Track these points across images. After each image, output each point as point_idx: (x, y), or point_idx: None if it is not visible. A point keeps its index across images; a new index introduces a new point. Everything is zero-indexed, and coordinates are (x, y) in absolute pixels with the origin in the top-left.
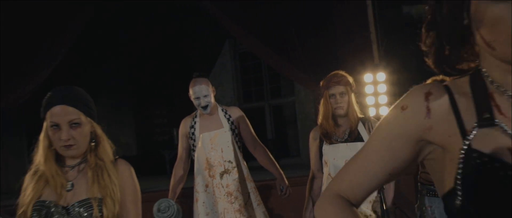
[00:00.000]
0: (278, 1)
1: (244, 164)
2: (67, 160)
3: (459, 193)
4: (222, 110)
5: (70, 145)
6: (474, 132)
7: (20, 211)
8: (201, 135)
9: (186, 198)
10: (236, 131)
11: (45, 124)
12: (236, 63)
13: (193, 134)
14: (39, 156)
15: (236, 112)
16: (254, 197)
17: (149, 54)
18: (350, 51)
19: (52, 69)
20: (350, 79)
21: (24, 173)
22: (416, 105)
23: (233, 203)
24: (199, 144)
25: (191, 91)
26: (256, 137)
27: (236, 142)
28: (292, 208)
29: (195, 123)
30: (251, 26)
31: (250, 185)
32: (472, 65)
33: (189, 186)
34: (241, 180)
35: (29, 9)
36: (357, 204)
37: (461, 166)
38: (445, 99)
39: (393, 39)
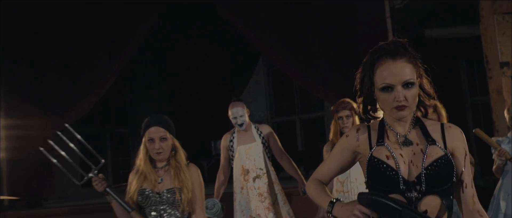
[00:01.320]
0: (304, 24)
1: (272, 171)
2: (157, 163)
3: (367, 176)
4: (255, 127)
5: (160, 153)
6: (374, 148)
7: (128, 196)
8: (238, 148)
9: (226, 201)
10: (266, 144)
11: (144, 139)
12: (269, 80)
13: (231, 146)
14: (140, 160)
15: (266, 129)
16: (281, 197)
17: (189, 70)
18: None
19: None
20: (354, 104)
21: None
22: (352, 134)
23: (263, 202)
24: (236, 155)
25: (230, 112)
26: (282, 149)
27: (266, 153)
28: (312, 211)
29: (233, 137)
30: (279, 47)
31: (278, 188)
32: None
33: (228, 191)
34: (270, 184)
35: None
36: (326, 184)
37: (367, 163)
38: (365, 132)
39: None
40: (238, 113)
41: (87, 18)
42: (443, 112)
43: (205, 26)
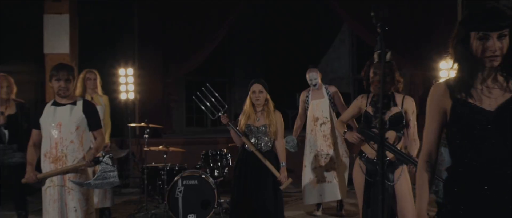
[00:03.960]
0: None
1: (335, 119)
2: (256, 107)
3: (363, 120)
4: (325, 87)
5: (258, 99)
6: (367, 106)
7: (239, 127)
8: (311, 102)
9: (301, 138)
10: (332, 100)
11: (249, 92)
12: (353, 39)
13: (307, 100)
14: (246, 106)
15: (332, 89)
16: (339, 139)
17: (281, 30)
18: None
19: (213, 47)
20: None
21: None
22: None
23: (326, 141)
24: (310, 107)
25: (307, 76)
26: (344, 104)
27: (331, 106)
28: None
29: (309, 94)
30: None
31: (338, 132)
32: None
33: (302, 134)
34: (332, 129)
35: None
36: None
37: (363, 114)
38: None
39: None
40: (313, 76)
41: None
42: None
43: None
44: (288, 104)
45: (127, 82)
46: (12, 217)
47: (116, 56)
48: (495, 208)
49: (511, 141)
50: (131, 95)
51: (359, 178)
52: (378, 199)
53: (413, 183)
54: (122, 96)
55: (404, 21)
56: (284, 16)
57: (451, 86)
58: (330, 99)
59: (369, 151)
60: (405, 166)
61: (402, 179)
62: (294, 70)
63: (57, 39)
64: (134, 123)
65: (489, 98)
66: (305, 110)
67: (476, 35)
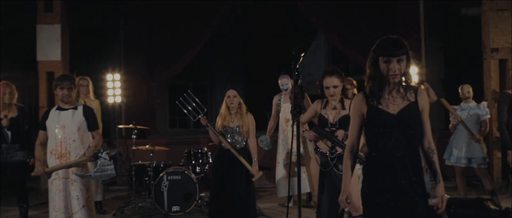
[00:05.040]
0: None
1: None
2: (231, 110)
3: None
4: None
5: (233, 103)
6: (322, 109)
7: (216, 128)
8: (283, 105)
9: (273, 138)
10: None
11: (225, 97)
12: (328, 45)
13: (279, 104)
14: (223, 109)
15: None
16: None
17: (260, 35)
18: None
19: (195, 53)
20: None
21: None
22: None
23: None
24: (282, 109)
25: (279, 82)
26: None
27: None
28: None
29: (281, 98)
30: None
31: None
32: None
33: (274, 134)
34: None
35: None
36: (304, 123)
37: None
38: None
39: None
40: (284, 82)
41: None
42: None
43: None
44: (266, 106)
45: (114, 87)
46: (12, 211)
47: (104, 63)
48: (396, 181)
49: (408, 136)
50: (118, 99)
51: (315, 169)
52: (329, 186)
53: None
54: (110, 100)
55: (370, 23)
56: (263, 21)
57: (367, 96)
58: None
59: (323, 146)
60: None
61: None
62: (272, 74)
63: (50, 47)
64: (121, 124)
65: (393, 105)
66: (278, 112)
67: (382, 59)
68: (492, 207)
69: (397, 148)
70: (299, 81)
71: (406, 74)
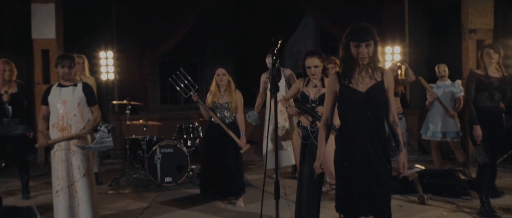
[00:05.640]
0: None
1: None
2: (220, 87)
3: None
4: (282, 70)
5: (222, 81)
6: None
7: (207, 103)
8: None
9: (260, 114)
10: (288, 81)
11: (215, 75)
12: (317, 24)
13: (266, 81)
14: (212, 86)
15: (288, 72)
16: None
17: (250, 13)
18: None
19: (186, 31)
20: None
21: None
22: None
23: (282, 116)
24: (268, 86)
25: (267, 60)
26: None
27: (287, 87)
28: None
29: (268, 76)
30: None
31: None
32: None
33: (262, 110)
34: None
35: None
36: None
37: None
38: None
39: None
40: (270, 61)
41: None
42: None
43: None
44: (255, 83)
45: (107, 64)
46: (12, 182)
47: (97, 41)
48: (364, 149)
49: (374, 110)
50: (111, 76)
51: (297, 142)
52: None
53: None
54: (103, 77)
55: (356, 3)
56: (253, 0)
57: (339, 76)
58: (286, 80)
59: (304, 121)
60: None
61: (329, 142)
62: (261, 53)
63: (44, 25)
64: (114, 101)
65: (362, 84)
66: (265, 89)
67: (353, 44)
68: (462, 177)
69: (365, 121)
70: (277, 65)
71: (373, 57)
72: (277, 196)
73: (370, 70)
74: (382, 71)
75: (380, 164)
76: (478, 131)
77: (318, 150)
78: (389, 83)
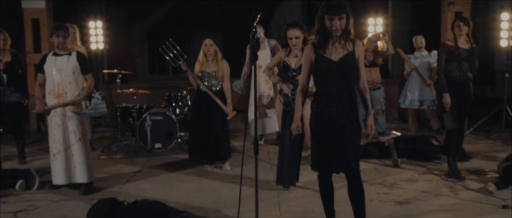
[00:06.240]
0: None
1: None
2: (208, 57)
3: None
4: (267, 40)
5: (209, 50)
6: (288, 56)
7: (195, 72)
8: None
9: (246, 83)
10: (272, 51)
11: (202, 45)
12: (303, 4)
13: (258, 49)
14: (200, 55)
15: (273, 42)
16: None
17: None
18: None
19: (173, 3)
20: None
21: None
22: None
23: (267, 84)
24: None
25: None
26: None
27: (271, 56)
28: None
29: (259, 44)
30: None
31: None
32: None
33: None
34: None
35: None
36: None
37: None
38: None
39: None
40: (257, 31)
41: None
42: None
43: None
44: (242, 54)
45: (96, 34)
46: (7, 148)
47: (86, 11)
48: (336, 113)
49: (346, 78)
50: (101, 46)
51: (279, 108)
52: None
53: None
54: (93, 47)
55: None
56: None
57: (315, 46)
58: (271, 51)
59: (286, 88)
60: (308, 99)
61: (307, 107)
62: (248, 23)
63: None
64: (104, 70)
65: (336, 54)
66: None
67: (327, 17)
68: (435, 142)
69: (338, 88)
70: (259, 36)
71: (346, 29)
72: (256, 151)
73: (342, 41)
74: (353, 42)
75: (350, 126)
76: (447, 98)
77: (295, 113)
78: (360, 53)
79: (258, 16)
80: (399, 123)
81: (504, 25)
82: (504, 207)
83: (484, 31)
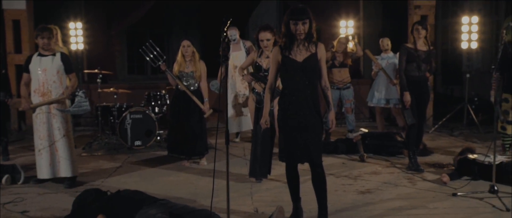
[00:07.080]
0: None
1: (250, 67)
2: (186, 58)
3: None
4: (242, 42)
5: (187, 51)
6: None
7: (173, 72)
8: (232, 53)
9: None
10: (247, 52)
11: (181, 46)
12: (280, 5)
13: (229, 52)
14: (179, 57)
15: (248, 43)
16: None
17: None
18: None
19: (152, 4)
20: None
21: None
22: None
23: (243, 84)
24: (230, 57)
25: (228, 33)
26: None
27: (247, 57)
28: None
29: (229, 47)
30: None
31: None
32: None
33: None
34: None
35: None
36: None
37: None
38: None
39: None
40: (232, 33)
41: None
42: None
43: None
44: (218, 54)
45: (76, 35)
46: None
47: (66, 12)
48: (300, 108)
49: (309, 77)
50: (80, 46)
51: (251, 106)
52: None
53: None
54: (73, 47)
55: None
56: None
57: (281, 48)
58: (246, 52)
59: (258, 87)
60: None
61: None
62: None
63: None
64: (84, 70)
65: (300, 55)
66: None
67: (292, 22)
68: (399, 139)
69: (302, 86)
70: (226, 39)
71: (309, 33)
72: (227, 141)
73: (306, 44)
74: (316, 44)
75: (313, 121)
76: (407, 96)
77: (264, 109)
78: (322, 55)
79: (229, 21)
80: (370, 121)
81: (464, 28)
82: (454, 194)
83: (452, 33)
